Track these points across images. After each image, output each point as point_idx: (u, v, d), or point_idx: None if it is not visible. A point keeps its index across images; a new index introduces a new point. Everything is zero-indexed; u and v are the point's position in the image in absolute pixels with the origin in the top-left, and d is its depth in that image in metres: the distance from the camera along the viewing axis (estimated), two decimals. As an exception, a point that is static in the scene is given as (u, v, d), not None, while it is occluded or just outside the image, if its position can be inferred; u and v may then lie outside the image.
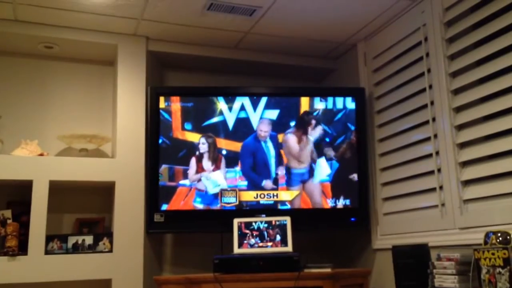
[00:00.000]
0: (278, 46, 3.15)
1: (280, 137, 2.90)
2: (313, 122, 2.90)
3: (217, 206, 2.79)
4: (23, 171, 2.59)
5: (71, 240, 2.65)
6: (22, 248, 2.53)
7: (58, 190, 2.75)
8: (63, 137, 2.82)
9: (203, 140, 2.82)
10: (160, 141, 2.81)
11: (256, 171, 2.83)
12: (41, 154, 2.70)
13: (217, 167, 2.81)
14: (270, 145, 2.87)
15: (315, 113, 2.90)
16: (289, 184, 2.86)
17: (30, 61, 2.99)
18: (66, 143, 2.87)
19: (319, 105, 2.92)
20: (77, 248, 2.65)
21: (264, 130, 2.87)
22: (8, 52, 2.94)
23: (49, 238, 2.60)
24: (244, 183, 2.83)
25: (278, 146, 2.89)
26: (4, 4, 2.54)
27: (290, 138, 2.88)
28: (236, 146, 2.86)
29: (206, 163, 2.81)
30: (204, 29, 2.89)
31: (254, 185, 2.83)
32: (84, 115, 3.04)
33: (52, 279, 2.54)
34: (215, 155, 2.82)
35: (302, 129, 2.90)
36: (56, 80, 3.04)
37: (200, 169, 2.81)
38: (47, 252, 2.57)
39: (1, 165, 2.56)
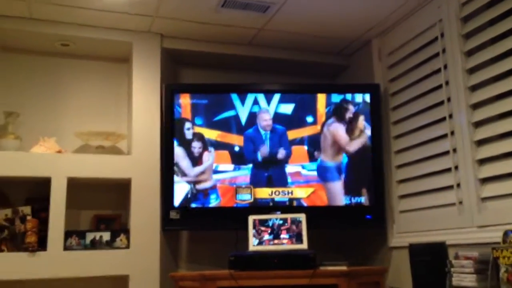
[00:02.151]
0: (292, 43, 3.14)
1: (291, 134, 2.87)
2: (350, 113, 2.89)
3: (230, 203, 2.80)
4: (41, 168, 2.63)
5: (89, 236, 2.69)
6: (42, 244, 2.56)
7: (75, 186, 2.77)
8: (80, 134, 2.85)
9: (194, 143, 2.82)
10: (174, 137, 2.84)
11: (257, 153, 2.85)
12: (59, 151, 2.73)
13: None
14: (269, 137, 2.85)
15: (356, 105, 2.90)
16: (325, 179, 2.84)
17: (46, 59, 3.02)
18: (83, 140, 2.89)
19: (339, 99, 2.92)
20: (95, 244, 2.68)
21: (264, 118, 2.85)
22: (25, 50, 2.97)
23: (67, 234, 2.63)
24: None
25: (283, 141, 2.86)
26: (18, 2, 2.56)
27: (336, 129, 2.87)
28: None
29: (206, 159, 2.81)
30: (218, 26, 2.89)
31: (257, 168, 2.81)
32: (100, 112, 3.07)
33: (71, 274, 2.57)
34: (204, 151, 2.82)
35: (344, 119, 2.89)
36: (72, 77, 3.06)
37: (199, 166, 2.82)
38: (66, 248, 2.60)
39: (20, 162, 2.60)
